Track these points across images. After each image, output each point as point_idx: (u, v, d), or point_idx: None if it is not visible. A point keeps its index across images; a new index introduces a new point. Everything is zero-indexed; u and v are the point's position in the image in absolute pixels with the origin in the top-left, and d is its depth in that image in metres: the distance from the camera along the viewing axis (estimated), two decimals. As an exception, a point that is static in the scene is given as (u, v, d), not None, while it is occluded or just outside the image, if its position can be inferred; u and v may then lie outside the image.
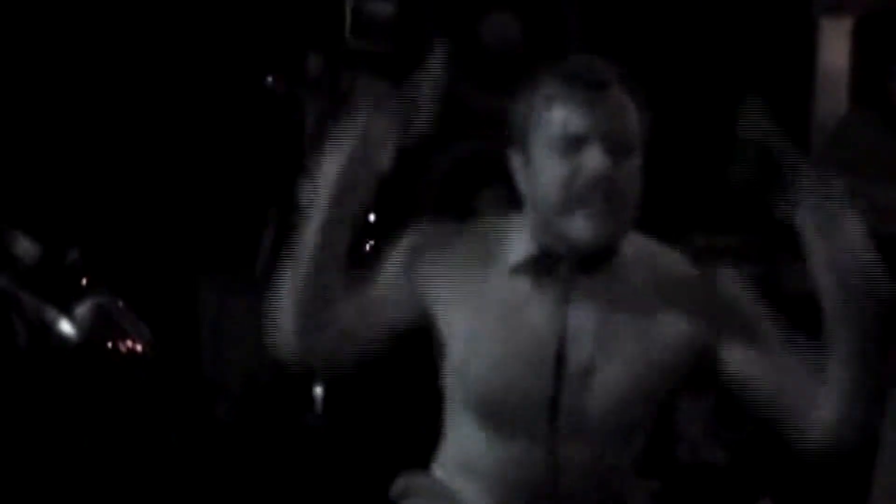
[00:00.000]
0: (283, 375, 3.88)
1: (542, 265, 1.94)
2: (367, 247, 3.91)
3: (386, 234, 4.03)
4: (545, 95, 1.89)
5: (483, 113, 3.72)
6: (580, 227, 1.88)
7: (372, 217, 4.00)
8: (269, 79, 4.00)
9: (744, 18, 4.43)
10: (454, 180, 3.80)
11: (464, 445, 2.06)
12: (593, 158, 1.85)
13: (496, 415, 1.99)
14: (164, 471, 2.55)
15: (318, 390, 3.81)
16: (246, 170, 4.26)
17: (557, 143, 1.87)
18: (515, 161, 1.94)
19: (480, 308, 1.96)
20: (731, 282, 2.05)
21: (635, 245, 2.00)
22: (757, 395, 2.03)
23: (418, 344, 2.23)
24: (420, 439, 2.22)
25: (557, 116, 1.87)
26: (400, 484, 2.17)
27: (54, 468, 2.36)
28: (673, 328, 1.99)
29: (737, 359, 2.02)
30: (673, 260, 2.03)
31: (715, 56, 4.40)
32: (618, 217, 1.89)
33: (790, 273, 3.84)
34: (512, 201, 2.04)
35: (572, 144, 1.86)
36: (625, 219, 1.91)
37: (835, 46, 4.62)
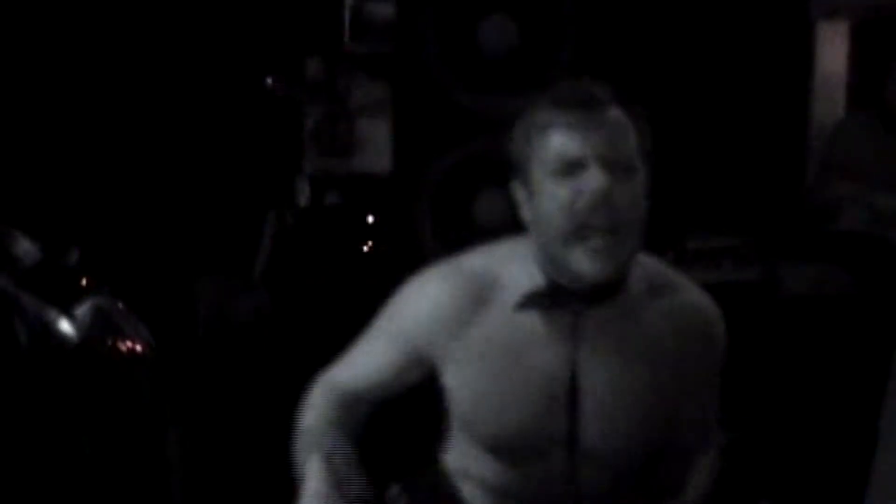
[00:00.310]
0: (282, 376, 3.89)
1: (550, 299, 1.93)
2: (366, 247, 3.93)
3: (384, 235, 4.04)
4: (539, 124, 1.88)
5: (481, 116, 3.73)
6: (585, 261, 1.86)
7: (371, 219, 4.02)
8: (268, 80, 4.00)
9: (742, 21, 4.43)
10: (452, 183, 3.80)
11: (473, 467, 2.05)
12: (593, 178, 1.83)
13: (511, 451, 1.98)
14: (164, 471, 2.56)
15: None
16: (244, 171, 4.26)
17: (556, 169, 1.86)
18: (519, 194, 1.94)
19: (485, 351, 1.94)
20: (718, 343, 2.05)
21: (649, 273, 2.00)
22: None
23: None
24: (420, 440, 2.22)
25: (553, 142, 1.86)
26: (397, 486, 2.18)
27: (53, 467, 2.36)
28: (677, 365, 1.99)
29: (680, 406, 2.03)
30: (684, 297, 2.02)
31: (713, 59, 4.40)
32: (623, 243, 1.87)
33: (788, 275, 3.85)
34: (510, 205, 2.03)
35: (571, 168, 1.85)
36: (630, 245, 1.89)
37: (833, 50, 4.62)
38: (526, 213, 1.93)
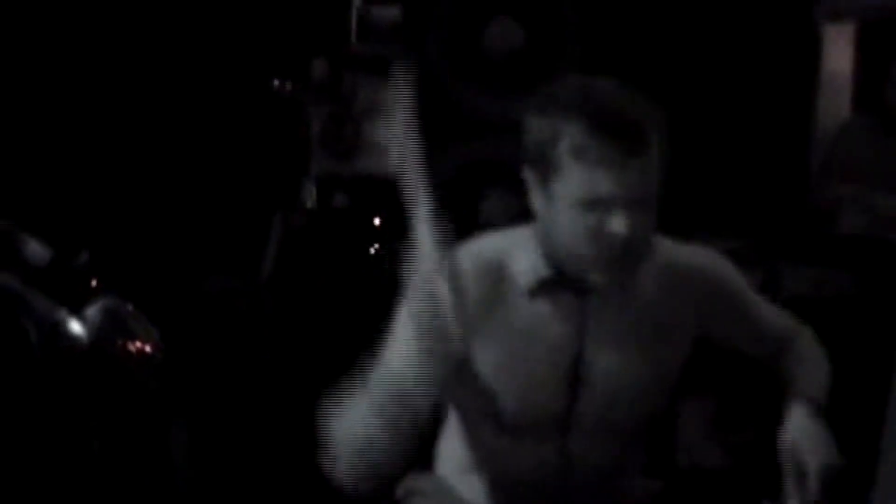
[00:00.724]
0: (288, 377, 3.91)
1: (557, 286, 1.95)
2: (373, 250, 3.95)
3: (391, 237, 4.05)
4: (575, 146, 1.82)
5: (487, 117, 3.75)
6: (596, 274, 1.90)
7: (377, 221, 4.04)
8: (275, 82, 4.02)
9: (747, 23, 4.44)
10: (459, 185, 3.82)
11: (474, 448, 2.08)
12: (618, 223, 1.83)
13: (519, 426, 2.01)
14: (170, 470, 2.58)
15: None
16: (251, 173, 4.27)
17: (583, 200, 1.83)
18: (530, 179, 1.92)
19: (504, 332, 1.97)
20: (720, 264, 2.09)
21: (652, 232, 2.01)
22: (754, 356, 2.09)
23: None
24: (423, 440, 2.24)
25: (585, 176, 1.82)
26: (405, 485, 2.20)
27: (62, 466, 2.39)
28: (679, 327, 2.03)
29: (730, 334, 2.10)
30: (675, 254, 2.06)
31: (718, 60, 4.41)
32: (634, 261, 1.91)
33: (789, 277, 3.86)
34: (516, 208, 2.04)
35: (598, 204, 1.83)
36: (640, 259, 1.93)
37: (838, 52, 4.63)
38: (535, 202, 1.93)
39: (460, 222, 3.84)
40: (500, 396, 1.98)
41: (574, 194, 1.84)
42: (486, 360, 1.98)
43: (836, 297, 3.68)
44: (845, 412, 3.55)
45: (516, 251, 1.98)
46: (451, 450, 2.16)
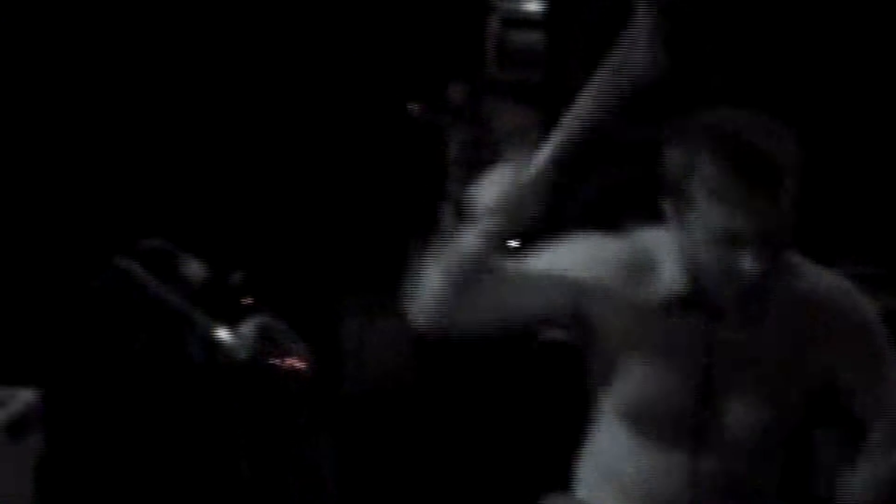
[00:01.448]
0: (423, 393, 3.96)
1: (688, 305, 1.99)
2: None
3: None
4: (707, 180, 1.84)
5: (628, 144, 3.76)
6: (728, 300, 1.95)
7: (515, 243, 4.07)
8: (412, 106, 4.08)
9: (881, 45, 4.39)
10: (599, 209, 3.84)
11: (608, 457, 2.13)
12: (749, 261, 1.85)
13: (646, 422, 2.05)
14: (319, 483, 2.65)
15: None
16: (390, 196, 4.34)
17: (715, 235, 1.86)
18: (668, 209, 1.95)
19: (636, 315, 2.02)
20: (869, 313, 2.07)
21: (780, 263, 2.00)
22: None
23: (561, 365, 2.28)
24: (560, 459, 2.28)
25: (718, 211, 1.84)
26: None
27: (214, 480, 2.46)
28: (809, 355, 2.03)
29: (854, 390, 2.05)
30: (815, 282, 2.05)
31: (858, 79, 4.36)
32: (765, 294, 1.95)
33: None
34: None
35: (730, 239, 1.85)
36: (770, 291, 1.96)
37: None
38: (673, 227, 1.96)
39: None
40: (628, 382, 2.04)
41: (707, 228, 1.86)
42: (617, 342, 2.04)
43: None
44: None
45: (664, 256, 2.01)
46: (589, 470, 2.19)
